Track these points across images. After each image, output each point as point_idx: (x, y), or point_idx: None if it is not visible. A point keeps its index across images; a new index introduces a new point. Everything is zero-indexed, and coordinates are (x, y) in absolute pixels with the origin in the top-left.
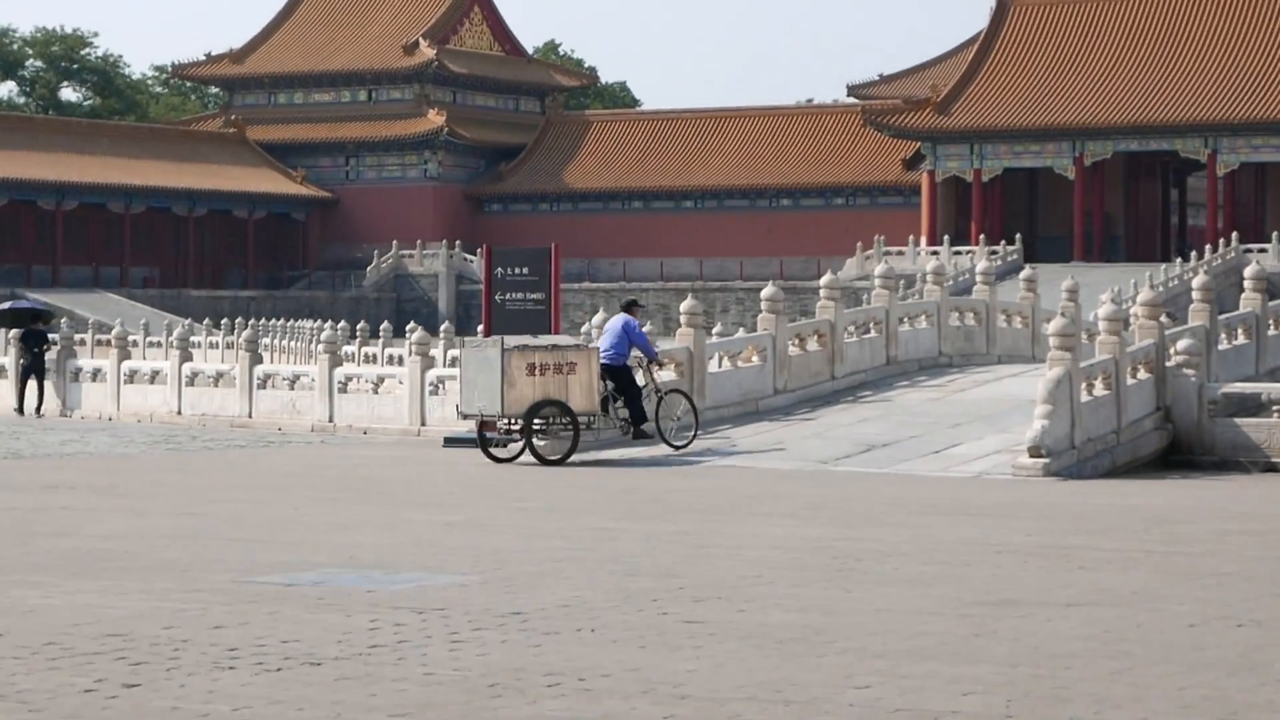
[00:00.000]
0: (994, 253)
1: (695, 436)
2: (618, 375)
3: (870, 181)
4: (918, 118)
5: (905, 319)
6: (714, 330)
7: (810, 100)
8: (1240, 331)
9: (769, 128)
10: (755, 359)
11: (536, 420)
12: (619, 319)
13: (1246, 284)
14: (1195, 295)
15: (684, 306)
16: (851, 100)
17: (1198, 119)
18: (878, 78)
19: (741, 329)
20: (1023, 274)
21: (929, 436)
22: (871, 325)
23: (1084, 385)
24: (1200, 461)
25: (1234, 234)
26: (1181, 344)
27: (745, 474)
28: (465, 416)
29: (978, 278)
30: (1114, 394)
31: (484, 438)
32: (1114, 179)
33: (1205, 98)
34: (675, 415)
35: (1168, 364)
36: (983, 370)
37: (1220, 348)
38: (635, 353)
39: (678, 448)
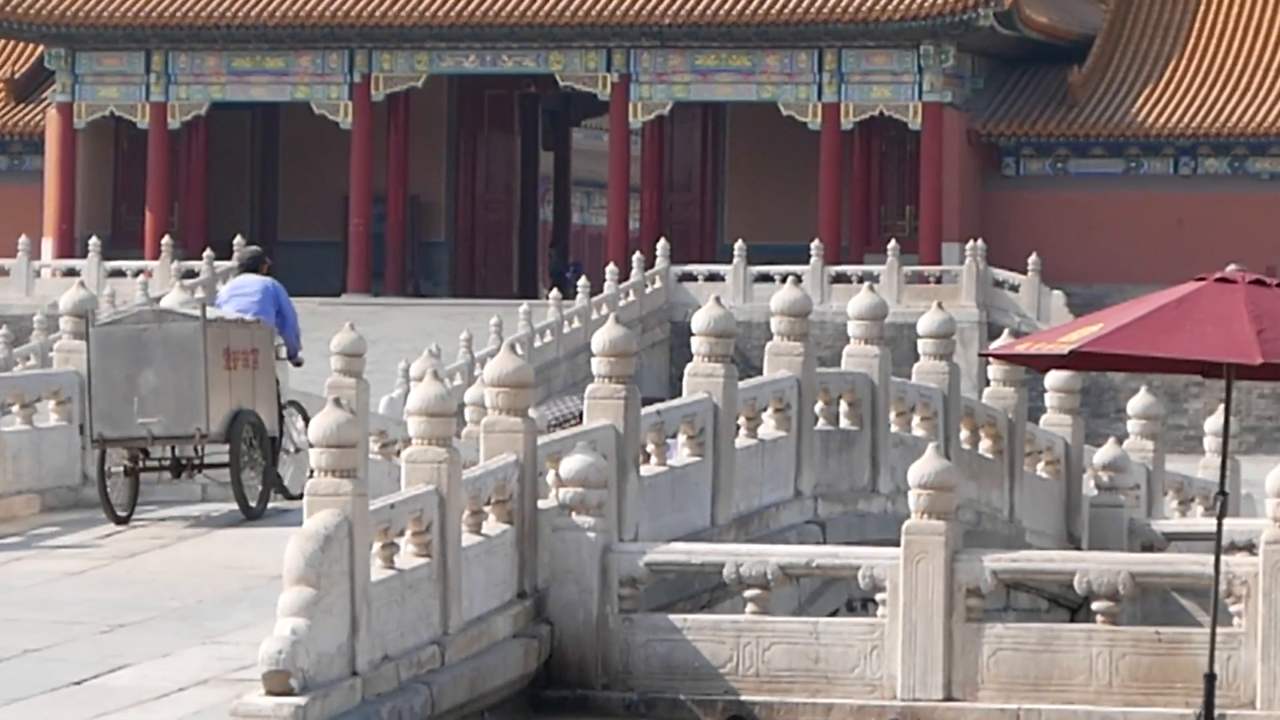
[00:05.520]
0: (190, 275)
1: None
2: None
3: None
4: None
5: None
6: None
7: None
8: (684, 439)
9: None
10: None
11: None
12: (255, 281)
13: (695, 344)
14: (597, 366)
15: None
16: None
17: (590, 14)
18: None
19: None
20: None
21: (60, 650)
22: None
23: (377, 549)
24: (604, 701)
25: (660, 243)
26: (570, 466)
27: None
28: (108, 442)
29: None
30: (437, 566)
31: (108, 476)
32: (431, 129)
33: None
34: (293, 441)
35: (541, 506)
36: (174, 516)
37: (644, 473)
38: None
39: (296, 497)
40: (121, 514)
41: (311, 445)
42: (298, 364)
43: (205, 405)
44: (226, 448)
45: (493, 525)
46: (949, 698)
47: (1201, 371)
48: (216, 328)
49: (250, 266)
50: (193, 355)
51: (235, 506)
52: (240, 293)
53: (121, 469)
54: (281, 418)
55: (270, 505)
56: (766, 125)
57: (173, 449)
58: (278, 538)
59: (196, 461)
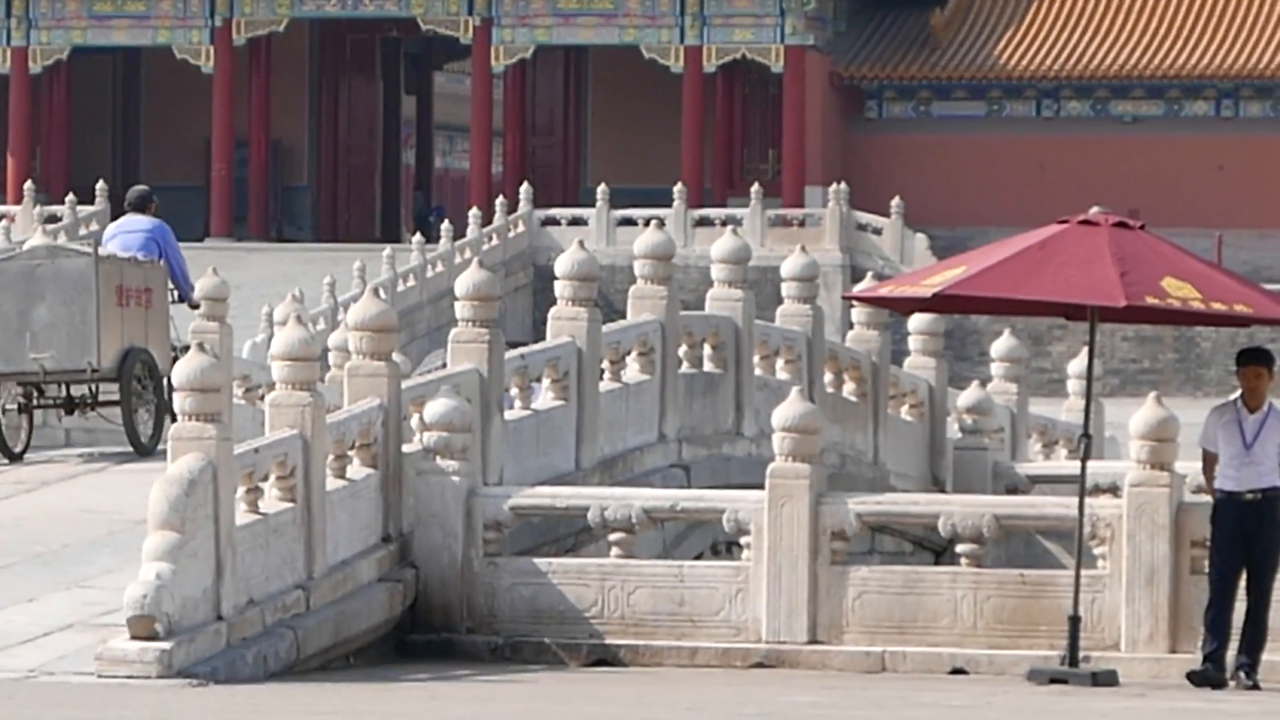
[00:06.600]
0: (52, 220)
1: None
2: None
3: None
4: None
5: None
6: None
7: None
8: (548, 383)
9: None
10: None
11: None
12: (141, 221)
13: (558, 288)
14: (460, 310)
15: None
16: None
17: None
18: None
19: None
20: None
21: None
22: None
23: (242, 493)
24: (469, 645)
25: (524, 187)
26: (434, 410)
27: None
28: (1, 378)
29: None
30: (301, 511)
31: (3, 414)
32: (292, 73)
33: None
34: None
35: (405, 450)
36: (37, 461)
37: (509, 417)
38: None
39: None
40: (17, 450)
41: (175, 390)
42: (194, 306)
43: (97, 340)
44: (117, 385)
45: (357, 469)
46: (814, 640)
47: (1065, 314)
48: (109, 264)
49: (138, 206)
50: (85, 290)
51: (100, 451)
52: (124, 230)
53: (16, 406)
54: (175, 358)
55: (163, 446)
56: (629, 68)
57: (66, 386)
58: (142, 483)
59: (89, 399)
